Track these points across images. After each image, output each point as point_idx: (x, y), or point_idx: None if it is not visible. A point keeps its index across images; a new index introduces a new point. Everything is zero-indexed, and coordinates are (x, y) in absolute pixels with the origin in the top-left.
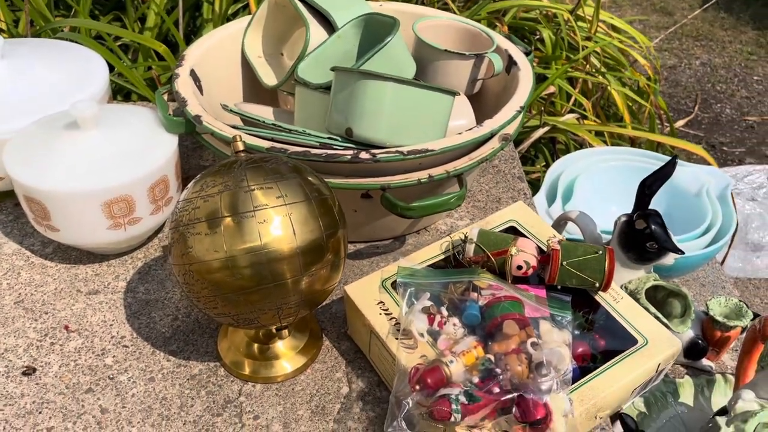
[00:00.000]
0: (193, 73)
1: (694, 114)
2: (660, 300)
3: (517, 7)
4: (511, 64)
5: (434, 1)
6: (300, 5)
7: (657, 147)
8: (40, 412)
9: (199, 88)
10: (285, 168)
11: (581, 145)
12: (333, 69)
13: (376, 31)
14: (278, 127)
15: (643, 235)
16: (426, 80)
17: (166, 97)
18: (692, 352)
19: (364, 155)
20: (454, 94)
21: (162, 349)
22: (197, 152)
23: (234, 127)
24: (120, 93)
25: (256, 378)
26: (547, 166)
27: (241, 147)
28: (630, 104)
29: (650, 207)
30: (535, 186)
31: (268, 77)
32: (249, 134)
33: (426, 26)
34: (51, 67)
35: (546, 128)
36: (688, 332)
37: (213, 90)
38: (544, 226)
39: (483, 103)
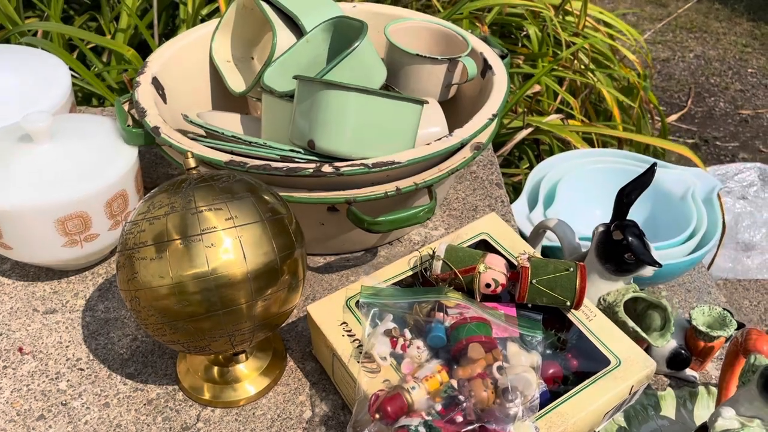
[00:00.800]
0: (155, 81)
1: (687, 108)
2: (640, 312)
3: (501, 5)
4: (486, 68)
5: (414, 0)
6: (267, 9)
7: (646, 148)
8: None
9: (163, 96)
10: (238, 186)
11: (566, 146)
12: (295, 77)
13: (346, 34)
14: (238, 140)
15: (620, 247)
16: (398, 85)
17: (126, 106)
18: (675, 362)
19: (326, 169)
20: (421, 103)
21: (119, 372)
22: (164, 161)
23: (194, 138)
24: (91, 98)
25: (216, 402)
26: (531, 168)
27: (192, 164)
28: (621, 100)
29: (633, 211)
30: (518, 189)
31: (237, 83)
32: (208, 146)
33: (398, 29)
34: (11, 75)
35: (529, 129)
36: (671, 342)
37: (178, 98)
38: (517, 239)
39: (458, 109)
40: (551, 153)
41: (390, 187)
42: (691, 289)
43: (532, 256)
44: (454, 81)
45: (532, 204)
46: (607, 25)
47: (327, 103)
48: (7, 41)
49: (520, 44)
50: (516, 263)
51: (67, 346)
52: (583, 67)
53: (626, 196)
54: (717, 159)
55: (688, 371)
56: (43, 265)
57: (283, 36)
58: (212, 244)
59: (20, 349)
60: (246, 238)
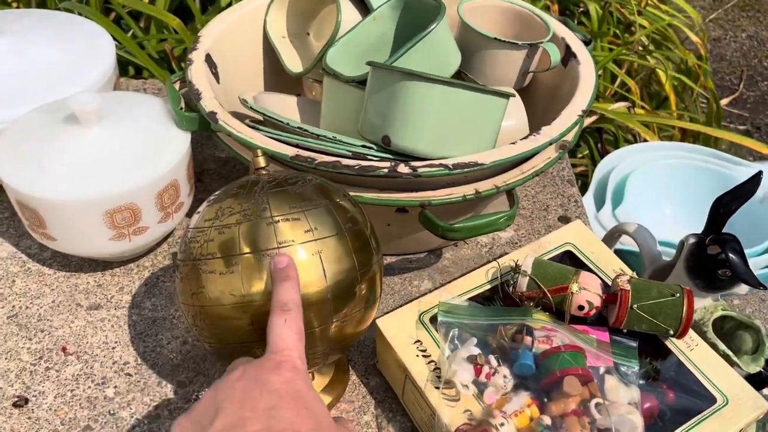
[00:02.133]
0: (208, 59)
1: (739, 92)
2: (727, 332)
3: None
4: (569, 55)
5: None
6: None
7: (713, 140)
8: None
9: (216, 75)
10: (313, 192)
11: (631, 134)
12: (369, 64)
13: (417, 12)
14: (305, 131)
15: (715, 261)
16: (471, 71)
17: (177, 85)
18: (752, 381)
19: (403, 169)
20: (509, 96)
21: (169, 380)
22: (211, 142)
23: (254, 127)
24: (128, 67)
25: None
26: (592, 157)
27: (262, 164)
28: (676, 84)
29: (699, 210)
30: (577, 179)
31: (293, 62)
32: (271, 137)
33: (472, 7)
34: (52, 45)
35: (594, 117)
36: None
37: (231, 76)
38: (606, 252)
39: (534, 98)
40: (615, 142)
41: (469, 190)
42: (766, 298)
43: (632, 277)
44: (532, 68)
45: (599, 199)
46: (663, 1)
47: (407, 97)
48: (44, 4)
49: (576, 21)
50: (612, 283)
51: (114, 348)
52: (641, 48)
53: (724, 206)
54: None
55: (766, 391)
56: (88, 257)
57: (348, 12)
58: None
59: (63, 349)
60: (326, 253)
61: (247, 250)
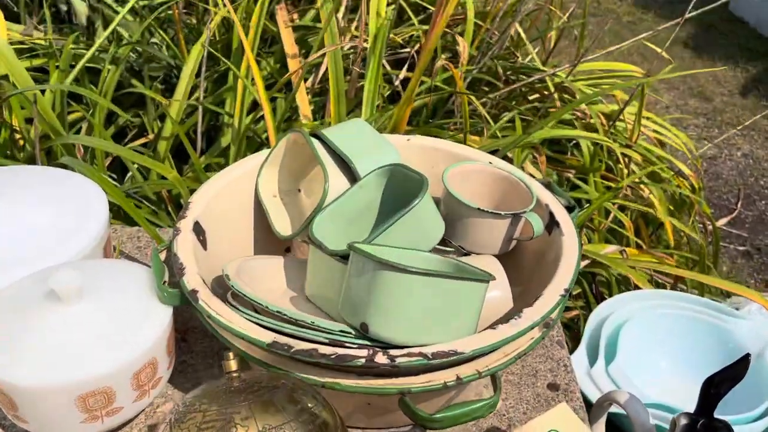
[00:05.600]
0: (197, 227)
1: (737, 211)
2: None
3: (559, 137)
4: (552, 224)
5: (466, 131)
6: (320, 150)
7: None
8: None
9: (203, 242)
10: (282, 399)
11: (625, 279)
12: (349, 247)
13: (401, 181)
14: (283, 317)
15: None
16: (454, 236)
17: (163, 255)
18: None
19: (380, 359)
20: (489, 279)
21: None
22: None
23: (235, 307)
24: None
25: None
26: (586, 298)
27: (233, 367)
28: (671, 209)
29: (695, 362)
30: (570, 328)
31: (283, 224)
32: (250, 320)
33: (458, 172)
34: (44, 207)
35: (586, 261)
36: None
37: (220, 241)
38: None
39: (520, 260)
40: (608, 285)
41: (449, 376)
42: None
43: None
44: (516, 236)
45: (591, 351)
46: (655, 131)
47: (386, 287)
48: (49, 151)
49: (569, 153)
50: None
51: None
52: (635, 181)
53: (714, 387)
54: None
55: None
56: None
57: (335, 180)
58: None
59: None
60: None
61: None
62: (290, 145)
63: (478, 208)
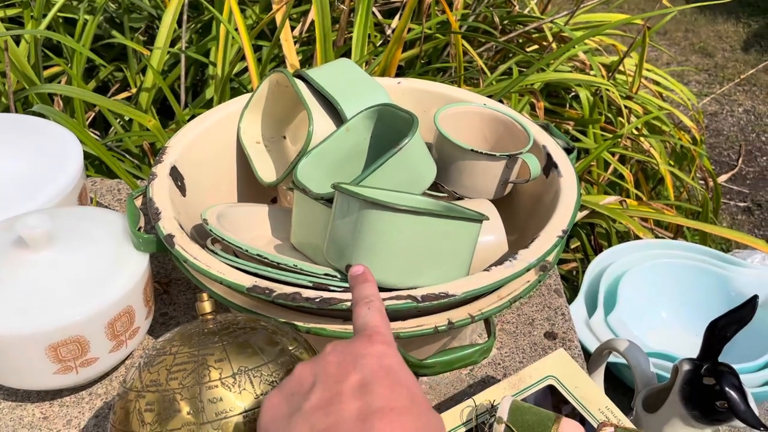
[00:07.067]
0: (174, 171)
1: (738, 167)
2: None
3: (556, 81)
4: (550, 165)
5: (461, 75)
6: (304, 91)
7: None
8: None
9: (181, 188)
10: (260, 340)
11: (623, 228)
12: (334, 187)
13: (390, 122)
14: (264, 260)
15: (712, 393)
16: (447, 181)
17: (139, 202)
18: None
19: None
20: (482, 220)
21: None
22: None
23: (213, 251)
24: (103, 164)
25: None
26: (584, 251)
27: (208, 309)
28: (672, 164)
29: (696, 315)
30: (568, 279)
31: (266, 171)
32: (229, 264)
33: (450, 114)
34: (16, 155)
35: (585, 212)
36: None
37: (200, 188)
38: (592, 387)
39: (517, 204)
40: (608, 236)
41: (441, 320)
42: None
43: (618, 426)
44: (511, 179)
45: (590, 302)
46: (656, 83)
47: (373, 226)
48: (26, 99)
49: (567, 105)
50: (595, 423)
51: None
52: (635, 132)
53: (719, 331)
54: None
55: None
56: (33, 390)
57: (321, 123)
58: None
59: None
60: None
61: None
62: (273, 87)
63: (472, 150)
